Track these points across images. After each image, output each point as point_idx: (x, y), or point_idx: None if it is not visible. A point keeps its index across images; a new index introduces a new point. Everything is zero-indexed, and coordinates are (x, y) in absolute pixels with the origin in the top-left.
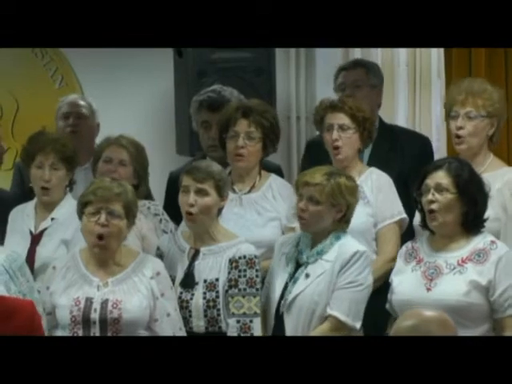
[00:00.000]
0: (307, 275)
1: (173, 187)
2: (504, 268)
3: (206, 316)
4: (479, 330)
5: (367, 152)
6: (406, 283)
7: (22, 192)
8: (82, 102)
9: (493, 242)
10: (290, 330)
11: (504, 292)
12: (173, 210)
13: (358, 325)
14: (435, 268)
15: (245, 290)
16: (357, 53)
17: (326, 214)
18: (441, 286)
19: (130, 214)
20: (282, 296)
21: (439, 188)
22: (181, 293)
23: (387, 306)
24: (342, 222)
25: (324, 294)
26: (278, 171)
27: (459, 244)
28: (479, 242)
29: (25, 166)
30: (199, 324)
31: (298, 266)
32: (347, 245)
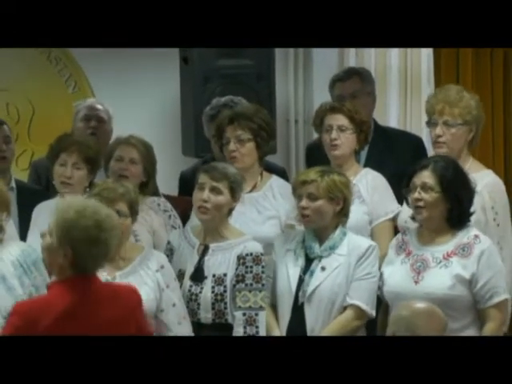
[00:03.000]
0: (323, 268)
1: (185, 185)
2: (486, 261)
3: (213, 309)
4: (465, 321)
5: (363, 152)
6: (395, 275)
7: (39, 190)
8: (100, 107)
9: (476, 237)
10: (310, 320)
11: (485, 284)
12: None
13: (374, 313)
14: (422, 261)
15: (251, 285)
16: (352, 59)
17: (326, 208)
18: (427, 280)
19: (134, 212)
20: (299, 288)
21: (425, 187)
22: (190, 286)
23: (378, 292)
24: (341, 215)
25: (343, 286)
26: (283, 173)
27: (445, 238)
28: (464, 236)
29: (48, 163)
30: (207, 316)
31: (309, 260)
32: (357, 240)
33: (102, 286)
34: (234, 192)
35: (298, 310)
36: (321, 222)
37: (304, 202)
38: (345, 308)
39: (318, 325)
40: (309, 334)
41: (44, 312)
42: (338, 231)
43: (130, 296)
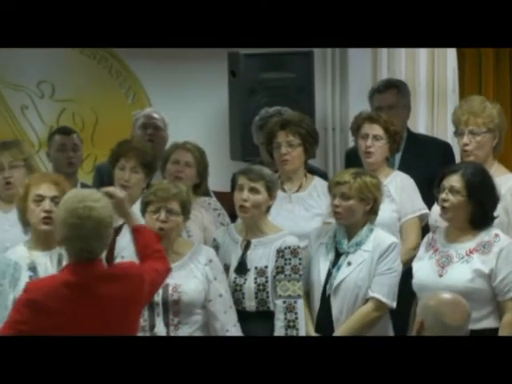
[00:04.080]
0: (349, 263)
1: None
2: (505, 258)
3: (256, 298)
4: (484, 311)
5: (398, 157)
6: (422, 269)
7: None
8: (156, 116)
9: (496, 235)
10: (336, 310)
11: (504, 279)
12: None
13: (394, 304)
14: (447, 257)
15: (290, 275)
16: (384, 72)
17: (357, 207)
18: (450, 273)
19: (186, 211)
20: (327, 281)
21: (452, 190)
22: (235, 278)
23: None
24: (370, 214)
25: (366, 280)
26: (325, 176)
27: (468, 237)
28: (485, 235)
29: (110, 167)
30: (251, 304)
31: (338, 254)
32: (382, 236)
33: (100, 271)
34: (271, 191)
35: (325, 301)
36: (351, 220)
37: (337, 201)
38: (367, 300)
39: (342, 315)
40: (334, 323)
41: (50, 290)
42: (365, 228)
43: (132, 273)
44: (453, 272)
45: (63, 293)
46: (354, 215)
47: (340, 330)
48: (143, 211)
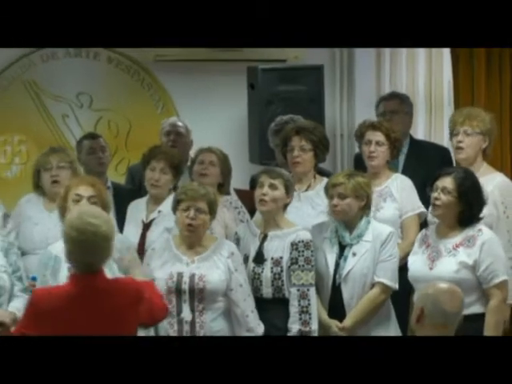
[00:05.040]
0: (354, 254)
1: (253, 185)
2: (487, 250)
3: (273, 285)
4: (471, 298)
5: (401, 161)
6: (415, 263)
7: (132, 189)
8: (179, 123)
9: (480, 230)
10: (347, 297)
11: (487, 268)
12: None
13: (397, 286)
14: (437, 251)
15: (303, 266)
16: (387, 85)
17: (353, 204)
18: (439, 266)
19: (212, 211)
20: (336, 271)
21: (444, 190)
22: (253, 267)
23: None
24: (365, 209)
25: (371, 267)
26: None
27: (455, 233)
28: (470, 230)
29: (141, 168)
30: (268, 291)
31: (342, 247)
32: (379, 227)
33: (102, 282)
34: (288, 189)
35: (336, 289)
36: (349, 216)
37: (335, 201)
38: (373, 285)
39: (353, 301)
40: (346, 308)
41: (51, 300)
42: (363, 221)
43: (130, 290)
44: (441, 265)
45: (65, 302)
46: (351, 211)
47: (352, 314)
48: (174, 209)
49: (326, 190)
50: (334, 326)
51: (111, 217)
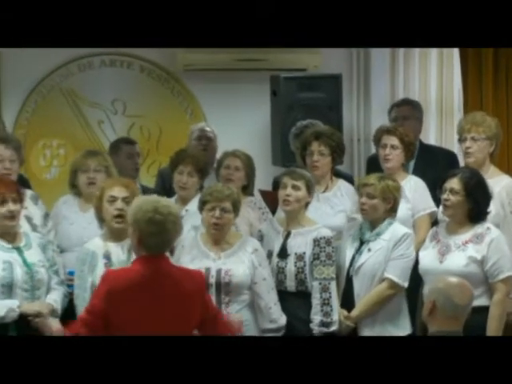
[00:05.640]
0: (369, 250)
1: (275, 187)
2: (495, 247)
3: (296, 279)
4: (478, 291)
5: (412, 164)
6: (426, 257)
7: (162, 190)
8: (208, 129)
9: (488, 228)
10: (357, 288)
11: (494, 264)
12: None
13: (406, 284)
14: (447, 246)
15: (324, 261)
16: (400, 93)
17: (380, 205)
18: (449, 260)
19: (236, 209)
20: (351, 264)
21: (452, 190)
22: (278, 262)
23: None
24: (391, 211)
25: (382, 263)
26: (351, 179)
27: (464, 229)
28: (479, 228)
29: (170, 171)
30: (291, 284)
31: (362, 243)
32: (398, 228)
33: (169, 265)
34: (310, 189)
35: (349, 281)
36: (374, 215)
37: (363, 199)
38: (382, 280)
39: (362, 292)
40: (355, 299)
41: (123, 280)
42: (386, 222)
43: (197, 277)
44: (451, 259)
45: (134, 282)
46: (376, 212)
47: (358, 305)
48: (200, 209)
49: (357, 188)
50: (342, 315)
51: None
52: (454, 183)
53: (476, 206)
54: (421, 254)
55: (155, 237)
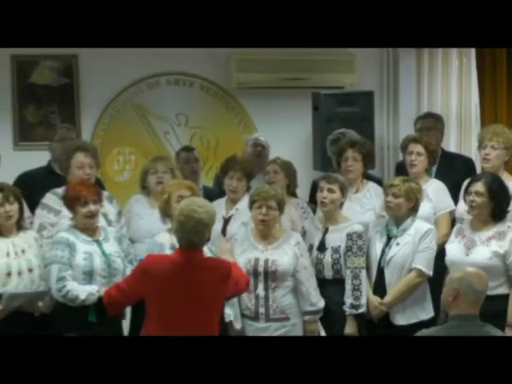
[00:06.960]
0: (397, 244)
1: (314, 188)
2: None
3: (333, 268)
4: (499, 281)
5: (434, 169)
6: (453, 250)
7: (218, 191)
8: (262, 138)
9: (509, 227)
10: (388, 278)
11: None
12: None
13: (431, 273)
14: (472, 241)
15: (356, 252)
16: (425, 106)
17: (403, 204)
18: (474, 253)
19: (281, 207)
20: (382, 257)
21: (477, 193)
22: (317, 254)
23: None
24: (413, 210)
25: (409, 256)
26: (380, 182)
27: (488, 227)
28: (501, 226)
29: (221, 177)
30: (329, 273)
31: (389, 238)
32: (421, 224)
33: (201, 256)
34: (343, 191)
35: (380, 271)
36: (398, 213)
37: (389, 198)
38: (411, 270)
39: (392, 281)
40: (387, 287)
41: (161, 263)
42: (409, 219)
43: (222, 266)
44: (476, 252)
45: (167, 268)
46: (400, 210)
47: (391, 292)
48: (250, 207)
49: (384, 188)
50: (376, 301)
51: (213, 207)
52: (478, 186)
53: (498, 206)
54: (447, 247)
55: (182, 234)
